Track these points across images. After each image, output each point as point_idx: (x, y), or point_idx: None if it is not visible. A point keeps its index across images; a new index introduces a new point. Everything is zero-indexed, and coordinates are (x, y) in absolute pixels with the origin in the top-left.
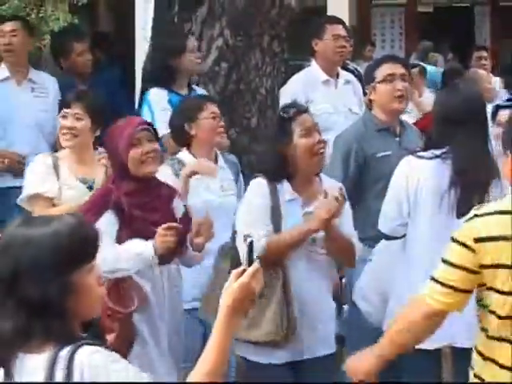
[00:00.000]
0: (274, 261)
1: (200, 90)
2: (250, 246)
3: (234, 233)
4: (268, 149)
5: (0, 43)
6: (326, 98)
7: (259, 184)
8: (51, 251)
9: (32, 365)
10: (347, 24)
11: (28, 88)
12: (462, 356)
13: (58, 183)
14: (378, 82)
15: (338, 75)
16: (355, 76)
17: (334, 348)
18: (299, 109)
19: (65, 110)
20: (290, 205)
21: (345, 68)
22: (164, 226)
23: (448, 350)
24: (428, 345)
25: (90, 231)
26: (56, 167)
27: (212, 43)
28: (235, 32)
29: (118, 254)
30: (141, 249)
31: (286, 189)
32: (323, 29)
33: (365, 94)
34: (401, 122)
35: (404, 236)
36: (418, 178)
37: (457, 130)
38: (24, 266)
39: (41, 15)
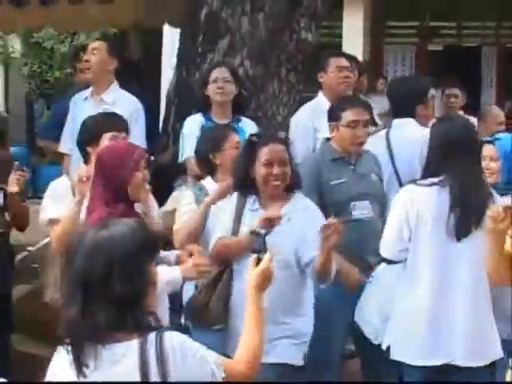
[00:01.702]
0: (223, 260)
1: (248, 121)
2: (264, 237)
3: None
4: (238, 167)
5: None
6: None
7: (233, 196)
8: (135, 247)
9: (121, 352)
10: (361, 59)
11: (99, 107)
12: (460, 375)
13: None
14: (343, 126)
15: None
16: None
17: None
18: (272, 138)
19: None
20: (252, 214)
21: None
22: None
23: (446, 367)
24: (427, 361)
25: (152, 229)
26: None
27: None
28: (255, 63)
29: None
30: (171, 276)
31: (252, 201)
32: (327, 62)
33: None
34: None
35: (405, 260)
36: (417, 205)
37: (453, 158)
38: (116, 263)
39: (74, 43)
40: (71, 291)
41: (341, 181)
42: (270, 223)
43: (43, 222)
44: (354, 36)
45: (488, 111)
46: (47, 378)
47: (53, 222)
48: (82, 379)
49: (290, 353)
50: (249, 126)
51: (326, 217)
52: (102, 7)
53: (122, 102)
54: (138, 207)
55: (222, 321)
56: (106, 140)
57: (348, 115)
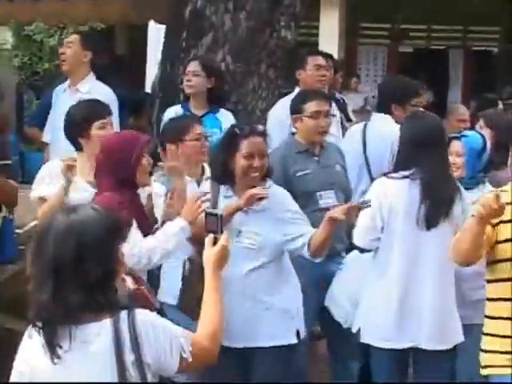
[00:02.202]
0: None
1: (225, 113)
2: (220, 218)
3: None
4: (216, 157)
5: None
6: None
7: (206, 183)
8: (104, 231)
9: (94, 331)
10: (336, 57)
11: (75, 97)
12: (424, 357)
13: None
14: (306, 116)
15: None
16: (341, 104)
17: (275, 341)
18: (252, 131)
19: None
20: (226, 200)
21: (332, 97)
22: (191, 197)
23: (412, 351)
24: (395, 345)
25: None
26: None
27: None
28: (236, 59)
29: (160, 241)
30: (174, 226)
31: (226, 190)
32: (306, 60)
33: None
34: (320, 144)
35: (376, 248)
36: (390, 197)
37: (422, 152)
38: (86, 247)
39: (62, 37)
40: (42, 276)
41: (306, 172)
42: (252, 200)
43: (34, 200)
44: (329, 36)
45: (454, 109)
46: (18, 360)
47: (42, 199)
48: (56, 360)
49: (281, 332)
50: (225, 118)
51: None
52: (91, 3)
53: (97, 91)
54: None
55: None
56: (95, 130)
57: (310, 106)
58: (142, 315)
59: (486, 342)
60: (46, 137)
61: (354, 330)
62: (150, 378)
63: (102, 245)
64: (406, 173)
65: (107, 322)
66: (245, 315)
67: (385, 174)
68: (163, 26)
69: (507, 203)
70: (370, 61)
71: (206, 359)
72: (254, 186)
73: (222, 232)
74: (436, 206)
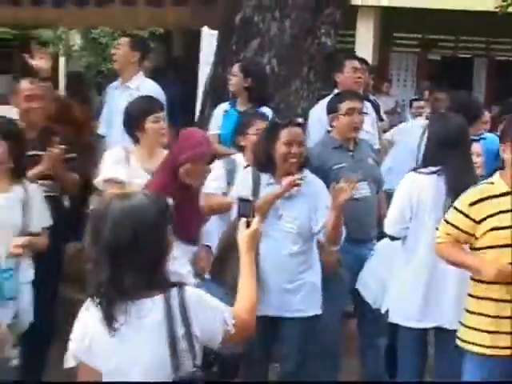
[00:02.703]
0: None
1: (266, 110)
2: (250, 203)
3: None
4: (259, 145)
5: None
6: None
7: (248, 169)
8: (156, 215)
9: (148, 307)
10: (370, 63)
11: (126, 93)
12: (447, 336)
13: (127, 171)
14: (341, 114)
15: None
16: (375, 105)
17: (314, 311)
18: (292, 121)
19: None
20: (268, 188)
21: (367, 98)
22: None
23: (435, 331)
24: (421, 324)
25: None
26: (127, 158)
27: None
28: (280, 62)
29: None
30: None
31: (267, 176)
32: (343, 63)
33: (380, 119)
34: (354, 140)
35: (405, 237)
36: (418, 190)
37: (448, 151)
38: (141, 230)
39: None
40: (100, 257)
41: (342, 165)
42: (290, 187)
43: (98, 183)
44: (365, 43)
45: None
46: (77, 332)
47: (107, 181)
48: (112, 333)
49: (311, 304)
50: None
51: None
52: (151, 9)
53: (145, 87)
54: None
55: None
56: (150, 123)
57: (345, 105)
58: (191, 292)
59: (467, 319)
60: (101, 130)
61: (382, 311)
62: (197, 349)
63: (155, 227)
64: (434, 169)
65: (159, 298)
66: (285, 289)
67: (414, 169)
68: (215, 32)
69: (495, 195)
70: (401, 67)
71: (246, 331)
72: (291, 173)
73: (253, 216)
74: None
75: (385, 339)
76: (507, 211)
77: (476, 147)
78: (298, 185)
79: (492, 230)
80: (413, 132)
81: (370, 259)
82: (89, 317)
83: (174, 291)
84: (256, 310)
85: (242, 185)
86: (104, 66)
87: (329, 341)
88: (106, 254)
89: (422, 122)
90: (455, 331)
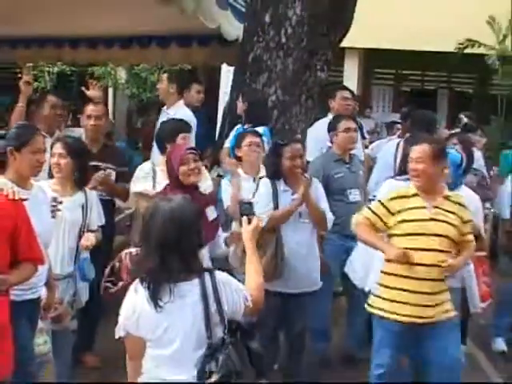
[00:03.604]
0: (272, 227)
1: (260, 128)
2: (251, 205)
3: None
4: (269, 161)
5: None
6: None
7: (264, 181)
8: (194, 213)
9: (187, 288)
10: (355, 93)
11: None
12: None
13: (153, 183)
14: (340, 131)
15: None
16: (359, 126)
17: (317, 286)
18: (291, 141)
19: None
20: (284, 194)
21: (354, 120)
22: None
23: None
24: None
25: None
26: (154, 171)
27: (269, 98)
28: (284, 92)
29: None
30: None
31: (281, 184)
32: (336, 93)
33: (363, 137)
34: (349, 155)
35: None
36: None
37: None
38: (185, 226)
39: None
40: (150, 248)
41: (340, 175)
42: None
43: (132, 193)
44: (350, 77)
45: (441, 133)
46: (126, 309)
47: (137, 193)
48: (158, 309)
49: (316, 282)
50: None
51: (330, 198)
52: (181, 50)
53: (181, 113)
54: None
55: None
56: (180, 139)
57: (343, 124)
58: (220, 275)
59: (377, 290)
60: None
61: (366, 290)
62: (225, 321)
63: (194, 224)
64: (408, 176)
65: (196, 281)
66: (302, 271)
67: (392, 177)
68: (232, 68)
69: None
70: (379, 96)
71: (257, 306)
72: (298, 179)
73: (253, 215)
74: None
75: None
76: (414, 208)
77: None
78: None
79: (402, 222)
80: (389, 148)
81: (357, 249)
82: (137, 297)
83: (207, 275)
84: (263, 290)
85: (264, 190)
86: (144, 95)
87: (323, 313)
88: (156, 246)
89: (395, 140)
90: None
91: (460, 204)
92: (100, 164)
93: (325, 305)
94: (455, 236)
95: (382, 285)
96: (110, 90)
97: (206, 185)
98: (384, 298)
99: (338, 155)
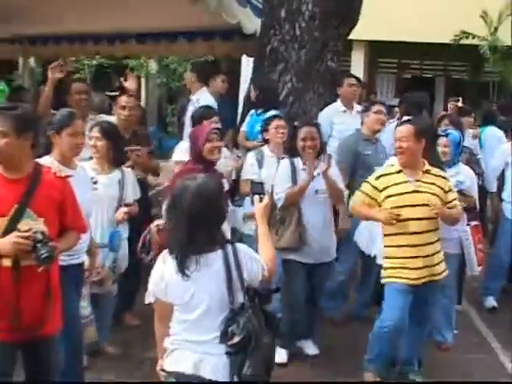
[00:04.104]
0: (292, 202)
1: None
2: (262, 184)
3: None
4: (286, 141)
5: None
6: (343, 121)
7: (284, 162)
8: (219, 188)
9: (212, 257)
10: (362, 80)
11: (191, 103)
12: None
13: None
14: (372, 113)
15: (352, 108)
16: None
17: (333, 257)
18: (304, 123)
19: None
20: (302, 172)
21: (360, 104)
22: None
23: None
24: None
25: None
26: None
27: (285, 86)
28: (298, 80)
29: None
30: None
31: (299, 163)
32: (343, 80)
33: None
34: (375, 138)
35: None
36: None
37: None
38: (211, 200)
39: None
40: (178, 221)
41: (368, 153)
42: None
43: (172, 162)
44: (358, 66)
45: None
46: (155, 277)
47: (177, 162)
48: (185, 278)
49: (333, 253)
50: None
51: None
52: (206, 43)
53: (203, 99)
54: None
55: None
56: (207, 123)
57: (375, 107)
58: (240, 246)
59: (386, 262)
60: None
61: (372, 255)
62: (245, 287)
63: (219, 198)
64: None
65: (219, 252)
66: (322, 243)
67: (394, 155)
68: (252, 59)
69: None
70: (383, 83)
71: (271, 275)
72: (311, 159)
73: (264, 194)
74: None
75: (375, 273)
76: (398, 183)
77: (443, 140)
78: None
79: (388, 197)
80: (390, 130)
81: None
82: (165, 266)
83: (229, 246)
84: (275, 260)
85: (283, 171)
86: (172, 84)
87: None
88: (185, 220)
89: (394, 122)
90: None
91: (441, 176)
92: (132, 148)
93: (346, 267)
94: (438, 203)
95: (386, 257)
96: (143, 80)
97: (222, 162)
98: (390, 268)
99: (366, 135)
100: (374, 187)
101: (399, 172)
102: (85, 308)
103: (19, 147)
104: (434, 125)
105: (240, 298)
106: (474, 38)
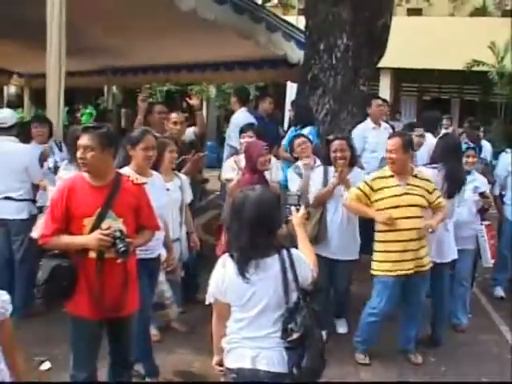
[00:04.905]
0: (320, 202)
1: (307, 128)
2: (298, 197)
3: None
4: (321, 152)
5: None
6: (373, 136)
7: (318, 169)
8: (276, 199)
9: (270, 262)
10: (388, 102)
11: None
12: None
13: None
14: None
15: (380, 125)
16: (392, 127)
17: (354, 257)
18: (336, 138)
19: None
20: (334, 178)
21: (387, 122)
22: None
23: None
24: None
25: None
26: (236, 162)
27: (323, 107)
28: (335, 102)
29: None
30: None
31: (332, 171)
32: (371, 102)
33: None
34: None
35: None
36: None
37: (447, 155)
38: (271, 209)
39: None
40: (240, 229)
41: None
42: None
43: (223, 179)
44: (384, 90)
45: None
46: (216, 280)
47: (227, 179)
48: (246, 281)
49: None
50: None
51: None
52: (257, 71)
53: (240, 117)
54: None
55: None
56: (246, 137)
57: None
58: (294, 251)
59: (376, 256)
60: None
61: None
62: (299, 287)
63: (276, 207)
64: (435, 165)
65: (276, 256)
66: (343, 242)
67: (423, 165)
68: (295, 84)
69: (385, 177)
70: (406, 105)
71: (316, 276)
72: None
73: (300, 205)
74: (453, 186)
75: None
76: (391, 186)
77: (472, 152)
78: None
79: (382, 198)
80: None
81: None
82: (225, 270)
83: (284, 251)
84: (317, 263)
85: (317, 176)
86: (229, 106)
87: None
88: (247, 227)
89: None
90: (443, 263)
91: (425, 179)
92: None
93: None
94: (424, 204)
95: (376, 251)
96: (204, 103)
97: (273, 171)
98: (379, 261)
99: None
100: (370, 187)
101: (392, 176)
102: (166, 292)
103: (103, 159)
104: (458, 140)
105: (294, 297)
106: (483, 65)
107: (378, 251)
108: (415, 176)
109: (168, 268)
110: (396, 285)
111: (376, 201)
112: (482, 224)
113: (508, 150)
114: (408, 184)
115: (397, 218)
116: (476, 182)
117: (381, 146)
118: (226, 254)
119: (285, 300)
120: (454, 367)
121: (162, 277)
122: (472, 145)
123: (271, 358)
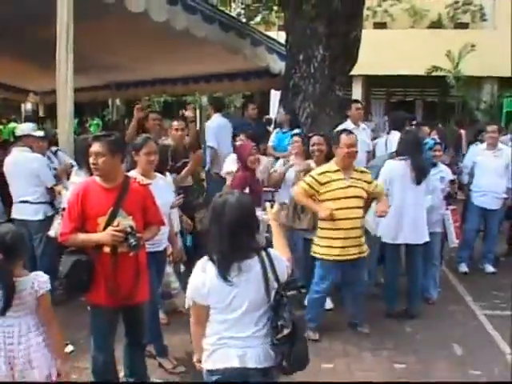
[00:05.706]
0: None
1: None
2: (272, 193)
3: None
4: (328, 150)
5: None
6: None
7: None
8: (252, 203)
9: (250, 263)
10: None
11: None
12: (411, 250)
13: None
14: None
15: (359, 126)
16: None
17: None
18: (315, 134)
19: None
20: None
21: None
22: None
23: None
24: (395, 241)
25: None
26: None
27: (304, 111)
28: (314, 106)
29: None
30: None
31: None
32: (351, 105)
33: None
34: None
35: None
36: (394, 170)
37: (411, 149)
38: (249, 213)
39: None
40: (220, 232)
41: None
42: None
43: (223, 173)
44: (357, 94)
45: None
46: (195, 284)
47: (228, 172)
48: (228, 283)
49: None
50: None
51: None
52: (244, 82)
53: (214, 122)
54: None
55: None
56: (239, 140)
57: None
58: (271, 250)
59: (318, 240)
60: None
61: (378, 235)
62: (280, 284)
63: (253, 211)
64: (402, 157)
65: (256, 258)
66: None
67: (391, 158)
68: (278, 92)
69: (331, 171)
70: (376, 106)
71: (292, 267)
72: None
73: (274, 202)
74: (419, 174)
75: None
76: (336, 180)
77: (438, 147)
78: None
79: (329, 191)
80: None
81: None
82: (205, 274)
83: (263, 252)
84: (290, 257)
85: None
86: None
87: None
88: (228, 230)
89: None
90: (417, 245)
91: (365, 172)
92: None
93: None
94: (364, 195)
95: (319, 237)
96: (197, 111)
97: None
98: (322, 246)
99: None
100: (316, 180)
101: (337, 171)
102: (174, 282)
103: (113, 164)
104: (419, 135)
105: (274, 294)
106: (441, 70)
107: (323, 237)
108: (356, 170)
109: (175, 259)
110: (335, 268)
111: (324, 193)
112: (447, 209)
113: (476, 143)
114: (351, 178)
115: (342, 208)
116: (442, 172)
117: (360, 145)
118: (205, 258)
119: (267, 299)
120: (427, 335)
121: (169, 269)
122: (439, 140)
123: (258, 355)
